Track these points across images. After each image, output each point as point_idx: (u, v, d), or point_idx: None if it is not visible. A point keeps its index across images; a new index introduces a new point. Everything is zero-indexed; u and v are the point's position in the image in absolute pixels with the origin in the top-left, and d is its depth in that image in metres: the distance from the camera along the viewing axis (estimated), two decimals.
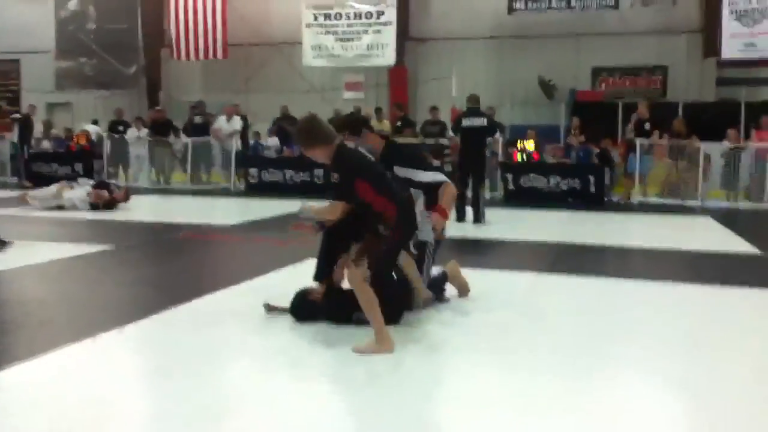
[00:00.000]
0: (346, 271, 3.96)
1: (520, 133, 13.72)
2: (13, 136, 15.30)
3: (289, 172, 13.61)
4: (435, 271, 4.77)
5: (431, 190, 4.54)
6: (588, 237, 8.18)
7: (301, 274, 4.69)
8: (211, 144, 14.66)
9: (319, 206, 4.03)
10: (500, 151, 13.08)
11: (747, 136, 12.89)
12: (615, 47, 16.18)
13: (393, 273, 4.23)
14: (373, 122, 11.31)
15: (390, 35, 17.09)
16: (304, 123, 3.98)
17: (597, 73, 16.67)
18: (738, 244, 7.73)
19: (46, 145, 16.19)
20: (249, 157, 14.44)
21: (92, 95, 19.42)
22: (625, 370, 3.54)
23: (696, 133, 12.42)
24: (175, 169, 15.30)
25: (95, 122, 17.02)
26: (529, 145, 13.14)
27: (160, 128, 15.05)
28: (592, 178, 12.04)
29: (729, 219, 9.74)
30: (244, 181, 14.02)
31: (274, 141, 15.03)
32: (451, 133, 11.68)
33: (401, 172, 4.46)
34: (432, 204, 4.53)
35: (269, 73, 18.33)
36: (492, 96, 15.27)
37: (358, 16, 17.32)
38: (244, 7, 18.27)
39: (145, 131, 15.19)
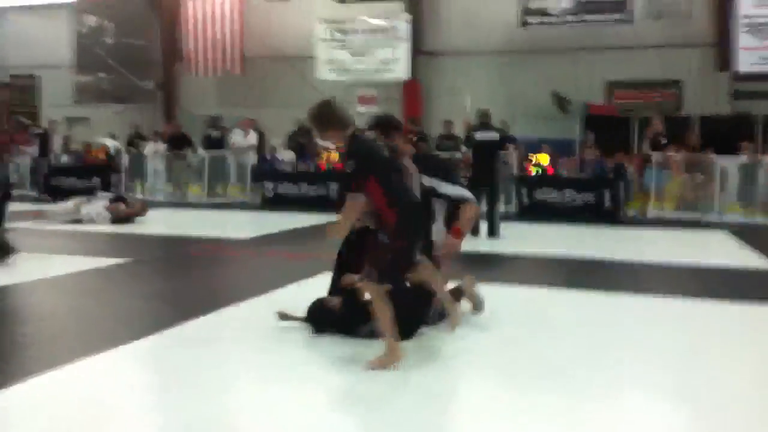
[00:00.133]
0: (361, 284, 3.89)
1: (533, 147, 13.70)
2: (34, 150, 15.52)
3: (304, 186, 13.72)
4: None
5: (453, 206, 4.52)
6: (603, 252, 8.13)
7: (315, 289, 4.71)
8: (226, 158, 14.79)
9: (338, 222, 3.79)
10: (515, 164, 13.06)
11: (765, 151, 12.78)
12: (628, 61, 16.14)
13: (406, 285, 4.15)
14: None
15: (403, 50, 17.19)
16: (318, 106, 3.82)
17: (610, 86, 16.64)
18: (754, 260, 7.66)
19: (65, 159, 16.41)
20: (264, 170, 14.55)
21: (110, 110, 19.66)
22: (644, 388, 3.51)
23: (712, 146, 12.36)
24: (191, 182, 15.44)
25: (113, 136, 17.23)
26: (543, 159, 13.11)
27: (177, 142, 15.21)
28: (606, 193, 12.00)
29: (745, 234, 9.66)
30: (260, 195, 14.11)
31: (289, 154, 15.14)
32: (464, 148, 11.70)
33: (427, 181, 4.42)
34: (453, 220, 4.50)
35: (284, 87, 18.46)
36: (505, 110, 15.26)
37: (371, 31, 17.46)
38: (259, 23, 18.47)
39: (162, 145, 15.35)
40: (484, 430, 2.94)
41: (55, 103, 19.90)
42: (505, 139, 10.07)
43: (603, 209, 11.90)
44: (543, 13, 16.09)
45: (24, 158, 15.70)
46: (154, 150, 15.37)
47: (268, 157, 15.22)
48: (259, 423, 3.00)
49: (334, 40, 17.65)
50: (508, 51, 16.98)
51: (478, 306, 4.85)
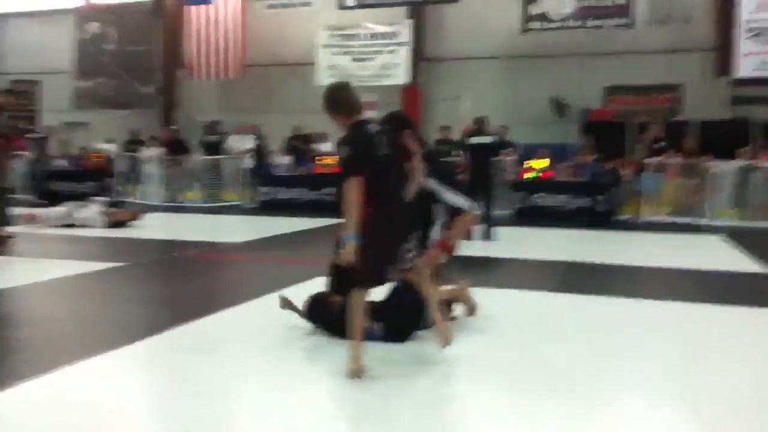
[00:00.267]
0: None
1: (532, 152, 13.71)
2: (31, 155, 15.52)
3: (301, 191, 13.73)
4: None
5: (451, 213, 4.51)
6: (598, 256, 8.12)
7: (312, 292, 4.68)
8: (223, 162, 14.79)
9: (344, 251, 3.52)
10: (509, 169, 13.07)
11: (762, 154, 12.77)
12: (628, 66, 16.14)
13: (400, 290, 4.13)
14: None
15: (404, 55, 17.25)
16: (332, 88, 3.80)
17: (609, 91, 16.64)
18: (747, 264, 7.65)
19: (63, 163, 16.41)
20: (261, 175, 14.55)
21: (110, 115, 19.68)
22: (639, 392, 3.49)
23: (710, 151, 12.35)
24: (188, 187, 15.42)
25: (111, 141, 17.22)
26: (542, 164, 13.11)
27: (174, 147, 15.21)
28: (601, 197, 12.01)
29: (740, 238, 9.65)
30: (257, 199, 14.11)
31: (285, 159, 15.13)
32: (459, 152, 11.71)
33: (431, 184, 4.43)
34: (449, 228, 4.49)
35: (285, 92, 18.50)
36: (504, 115, 15.28)
37: (373, 36, 17.52)
38: (260, 29, 18.52)
39: (159, 150, 15.35)
40: None
41: (56, 108, 19.91)
42: (500, 145, 10.14)
43: (597, 213, 11.92)
44: (544, 18, 16.10)
45: (20, 163, 15.69)
46: (150, 155, 15.37)
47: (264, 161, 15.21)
48: (258, 427, 2.98)
49: (336, 45, 17.70)
50: (509, 56, 17.01)
51: (472, 310, 4.84)
